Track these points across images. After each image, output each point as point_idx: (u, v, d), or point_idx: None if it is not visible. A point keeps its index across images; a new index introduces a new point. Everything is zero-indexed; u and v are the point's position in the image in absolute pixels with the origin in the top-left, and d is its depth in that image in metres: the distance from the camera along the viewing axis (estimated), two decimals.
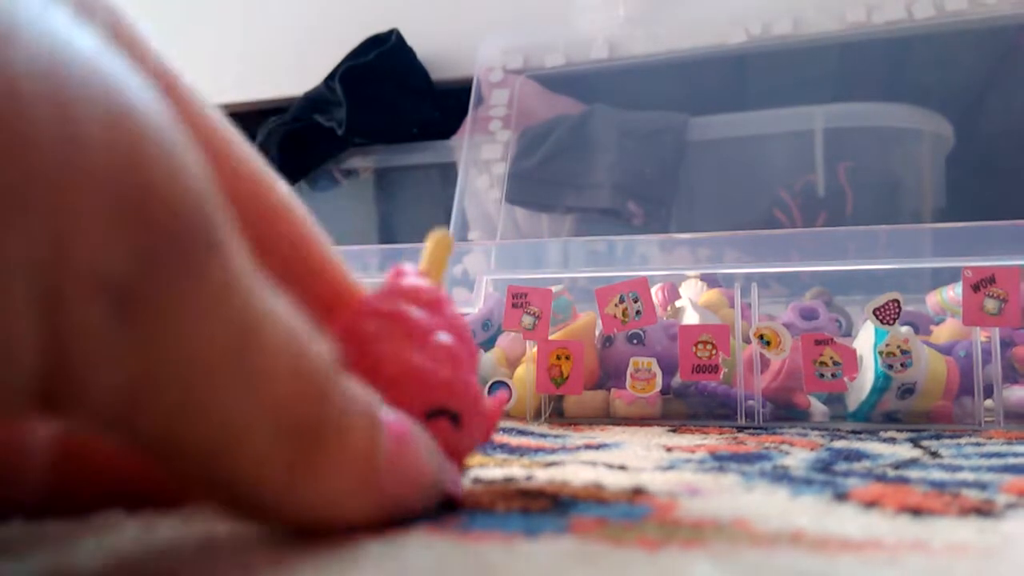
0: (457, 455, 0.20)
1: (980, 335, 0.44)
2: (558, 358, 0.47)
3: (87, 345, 0.12)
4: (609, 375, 0.50)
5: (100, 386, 0.12)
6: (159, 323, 0.13)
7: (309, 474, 0.15)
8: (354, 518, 0.16)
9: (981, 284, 0.42)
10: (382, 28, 0.93)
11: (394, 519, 0.17)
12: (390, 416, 0.17)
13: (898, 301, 0.44)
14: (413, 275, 0.22)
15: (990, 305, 0.42)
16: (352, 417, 0.16)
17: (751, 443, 0.36)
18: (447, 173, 0.89)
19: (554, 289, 0.49)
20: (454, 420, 0.20)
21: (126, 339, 0.12)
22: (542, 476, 0.26)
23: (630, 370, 0.46)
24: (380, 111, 0.89)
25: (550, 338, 0.48)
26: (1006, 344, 0.46)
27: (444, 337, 0.20)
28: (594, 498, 0.22)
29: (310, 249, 0.20)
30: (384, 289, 0.21)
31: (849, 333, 0.51)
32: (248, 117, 0.98)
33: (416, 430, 0.18)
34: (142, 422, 0.13)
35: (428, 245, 0.23)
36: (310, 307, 0.19)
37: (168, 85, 0.17)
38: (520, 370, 0.49)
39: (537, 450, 0.34)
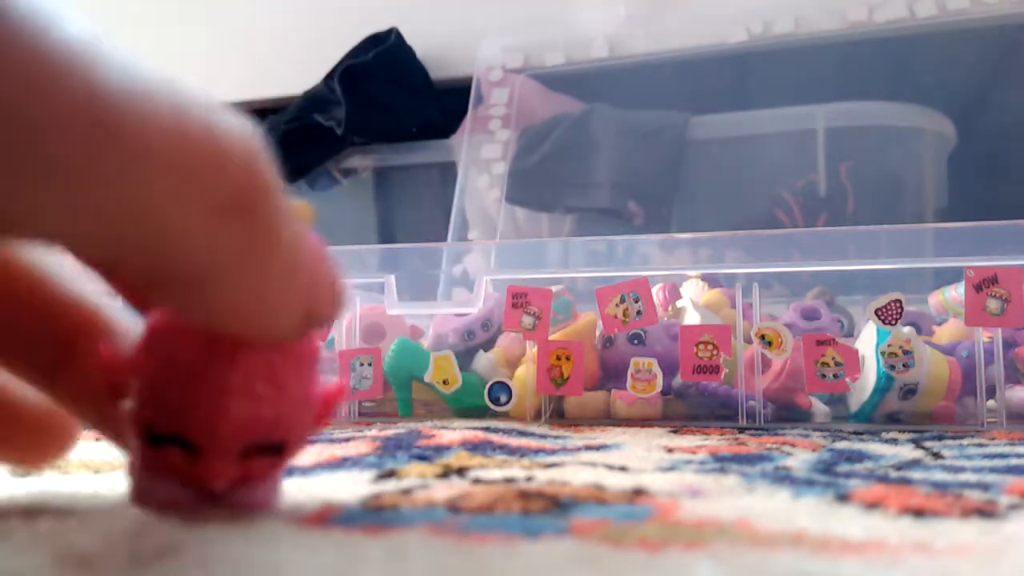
0: (275, 475, 0.19)
1: (983, 335, 0.43)
2: (558, 358, 0.47)
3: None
4: (609, 376, 0.49)
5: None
6: None
7: (248, 264, 0.15)
8: (276, 325, 0.17)
9: (983, 284, 0.42)
10: (381, 27, 0.93)
11: (302, 332, 0.18)
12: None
13: (900, 301, 0.44)
14: None
15: (993, 305, 0.42)
16: (287, 213, 0.16)
17: (752, 444, 0.36)
18: (447, 173, 0.89)
19: (554, 289, 0.49)
20: (278, 450, 0.18)
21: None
22: (542, 477, 0.26)
23: (631, 370, 0.46)
24: (379, 110, 0.89)
25: (550, 338, 0.47)
26: (1009, 344, 0.46)
27: (275, 360, 0.18)
28: (595, 499, 0.22)
29: (43, 287, 0.19)
30: None
31: (851, 333, 0.51)
32: (247, 116, 0.98)
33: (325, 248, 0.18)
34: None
35: None
36: (49, 340, 0.19)
37: None
38: (520, 370, 0.49)
39: (537, 451, 0.34)
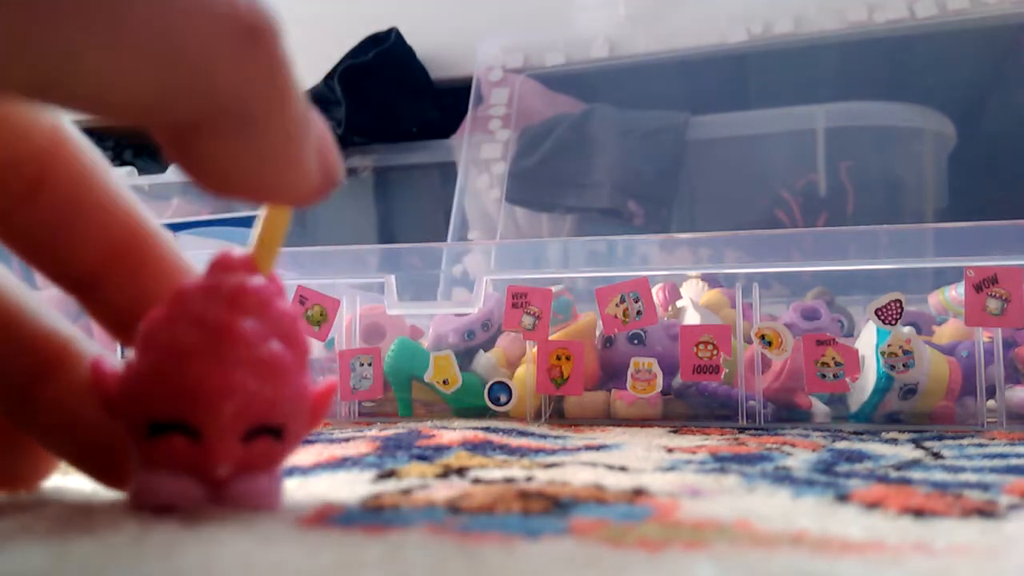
0: (276, 466, 0.20)
1: (982, 335, 0.43)
2: (558, 358, 0.47)
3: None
4: (610, 376, 0.49)
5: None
6: None
7: (278, 99, 0.16)
8: (292, 181, 0.17)
9: (983, 284, 0.42)
10: (381, 27, 0.93)
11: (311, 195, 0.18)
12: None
13: (900, 301, 0.44)
14: (241, 266, 0.19)
15: (992, 305, 0.42)
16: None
17: (752, 444, 0.36)
18: (447, 172, 0.89)
19: (554, 289, 0.49)
20: (277, 434, 0.19)
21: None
22: (542, 477, 0.26)
23: (631, 370, 0.46)
24: (379, 110, 0.89)
25: (550, 338, 0.47)
26: (1009, 344, 0.46)
27: (273, 347, 0.19)
28: (595, 499, 0.22)
29: (13, 317, 0.20)
30: (205, 286, 0.18)
31: (851, 333, 0.51)
32: None
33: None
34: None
35: (260, 221, 0.19)
36: (20, 370, 0.20)
37: None
38: (520, 370, 0.49)
39: (537, 451, 0.34)
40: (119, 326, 0.21)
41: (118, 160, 1.06)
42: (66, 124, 0.19)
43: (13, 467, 0.22)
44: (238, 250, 0.19)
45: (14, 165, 0.19)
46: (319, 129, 0.18)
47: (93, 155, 0.20)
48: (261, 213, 0.19)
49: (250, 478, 0.19)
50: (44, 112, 0.19)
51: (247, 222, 0.92)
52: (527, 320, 0.47)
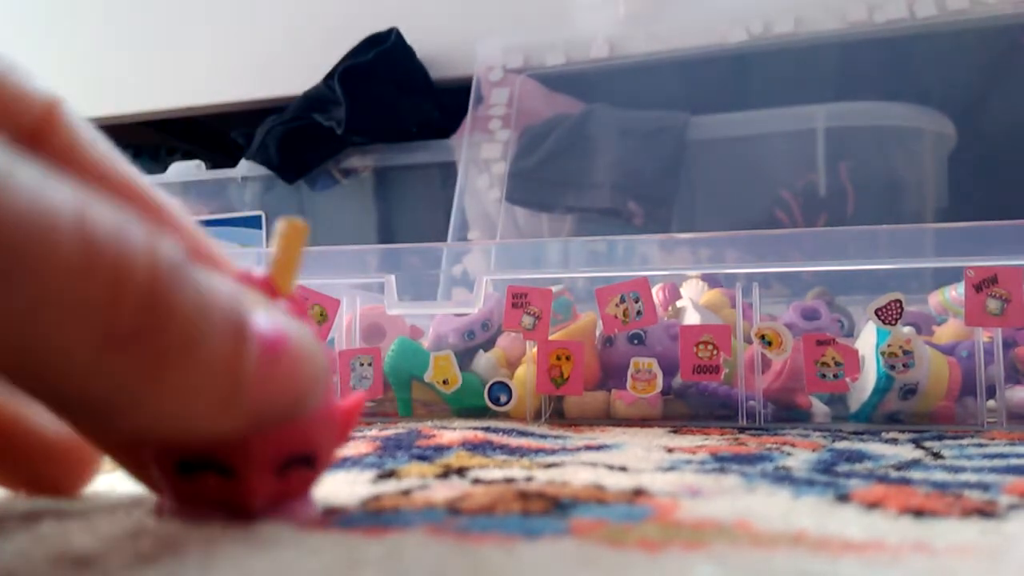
0: (308, 488, 0.19)
1: (982, 335, 0.43)
2: (558, 358, 0.47)
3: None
4: (610, 376, 0.49)
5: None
6: None
7: (156, 388, 0.14)
8: (216, 431, 0.16)
9: (983, 284, 0.42)
10: (381, 27, 0.93)
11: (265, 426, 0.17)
12: (264, 321, 0.16)
13: (900, 301, 0.44)
14: (260, 287, 0.18)
15: (992, 305, 0.42)
16: (208, 326, 0.15)
17: (752, 444, 0.36)
18: (447, 173, 0.89)
19: (554, 289, 0.48)
20: (310, 463, 0.18)
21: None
22: (542, 477, 0.26)
23: (631, 371, 0.46)
24: (379, 110, 0.89)
25: (550, 338, 0.47)
26: (1008, 344, 0.46)
27: None
28: (594, 499, 0.22)
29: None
30: None
31: (851, 333, 0.51)
32: (247, 116, 0.98)
33: (296, 333, 0.16)
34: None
35: (278, 238, 0.19)
36: None
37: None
38: (520, 370, 0.49)
39: (537, 451, 0.34)
40: None
41: None
42: (61, 99, 0.18)
43: (55, 472, 0.21)
44: (257, 270, 0.19)
45: (10, 128, 0.17)
46: (269, 357, 0.16)
47: (89, 128, 0.19)
48: (278, 231, 0.19)
49: (285, 506, 0.19)
50: (38, 86, 0.18)
51: (248, 222, 0.92)
52: (527, 320, 0.47)
